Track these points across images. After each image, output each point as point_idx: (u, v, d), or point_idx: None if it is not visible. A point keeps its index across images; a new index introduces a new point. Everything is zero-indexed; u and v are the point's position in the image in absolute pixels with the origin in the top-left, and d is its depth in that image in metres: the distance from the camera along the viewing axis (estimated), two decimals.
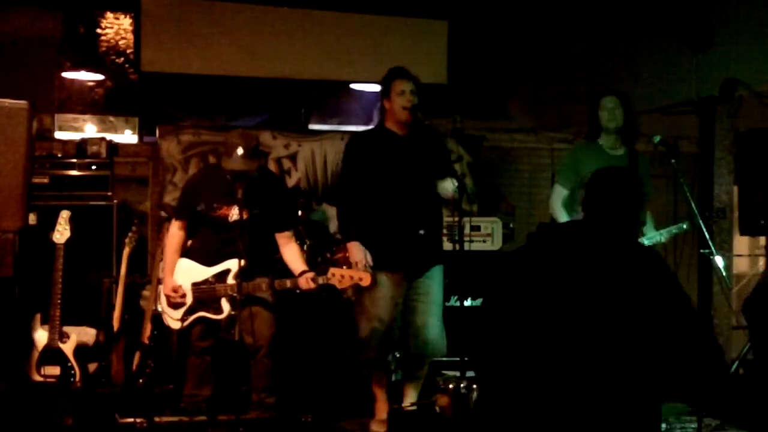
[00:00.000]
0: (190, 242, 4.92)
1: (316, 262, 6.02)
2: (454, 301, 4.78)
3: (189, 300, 4.74)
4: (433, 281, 4.65)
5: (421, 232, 4.57)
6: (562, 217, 5.05)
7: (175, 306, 4.76)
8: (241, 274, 4.54)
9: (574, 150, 5.46)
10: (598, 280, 2.74)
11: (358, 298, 4.68)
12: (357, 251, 4.53)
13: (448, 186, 4.51)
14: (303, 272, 4.68)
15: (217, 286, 4.69)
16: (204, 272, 4.74)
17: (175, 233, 4.86)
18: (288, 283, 4.67)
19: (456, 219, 4.53)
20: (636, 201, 2.94)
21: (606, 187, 2.95)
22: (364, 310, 4.60)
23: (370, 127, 7.77)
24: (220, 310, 4.69)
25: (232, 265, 4.64)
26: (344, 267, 4.66)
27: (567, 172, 5.14)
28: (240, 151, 4.60)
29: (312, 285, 4.63)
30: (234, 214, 4.70)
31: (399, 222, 4.58)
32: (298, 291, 4.73)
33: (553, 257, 2.86)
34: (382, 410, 4.62)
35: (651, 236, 5.08)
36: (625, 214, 2.90)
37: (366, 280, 4.51)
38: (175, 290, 4.73)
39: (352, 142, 4.83)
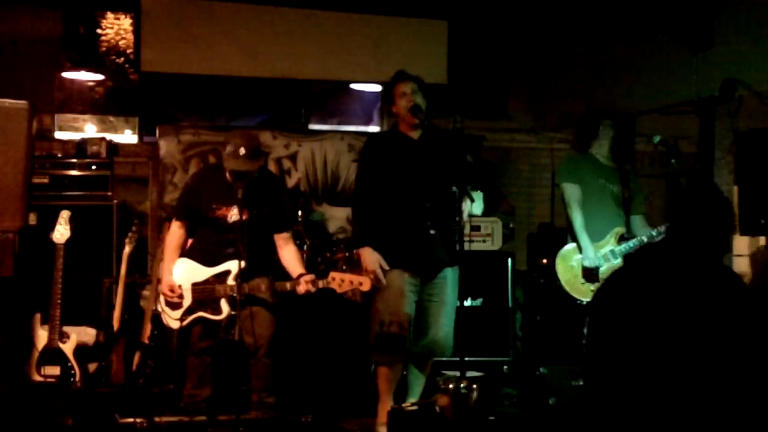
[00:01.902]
0: (190, 242, 4.92)
1: (316, 262, 6.02)
2: None
3: (188, 300, 4.74)
4: (446, 282, 4.65)
5: (432, 232, 4.57)
6: (578, 214, 5.14)
7: (173, 306, 4.76)
8: (240, 275, 4.53)
9: (571, 156, 5.54)
10: (683, 303, 2.70)
11: (373, 299, 4.67)
12: (369, 256, 4.54)
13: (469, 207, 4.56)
14: (300, 275, 4.67)
15: (217, 287, 4.68)
16: (204, 272, 4.74)
17: (174, 233, 4.86)
18: (288, 285, 4.66)
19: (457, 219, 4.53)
20: (725, 220, 2.86)
21: (695, 205, 2.87)
22: (379, 309, 4.59)
23: (374, 128, 7.88)
24: (219, 311, 4.69)
25: (233, 266, 4.64)
26: (344, 268, 4.64)
27: (571, 172, 5.27)
28: (242, 151, 4.60)
29: (311, 288, 4.62)
30: (233, 214, 4.70)
31: (411, 223, 4.58)
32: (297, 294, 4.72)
33: (643, 279, 2.81)
34: (385, 418, 4.60)
35: (647, 234, 5.10)
36: (712, 234, 2.82)
37: (366, 285, 4.50)
38: (172, 289, 4.72)
39: (367, 144, 4.90)
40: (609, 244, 5.16)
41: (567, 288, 5.16)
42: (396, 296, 4.55)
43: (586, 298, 5.08)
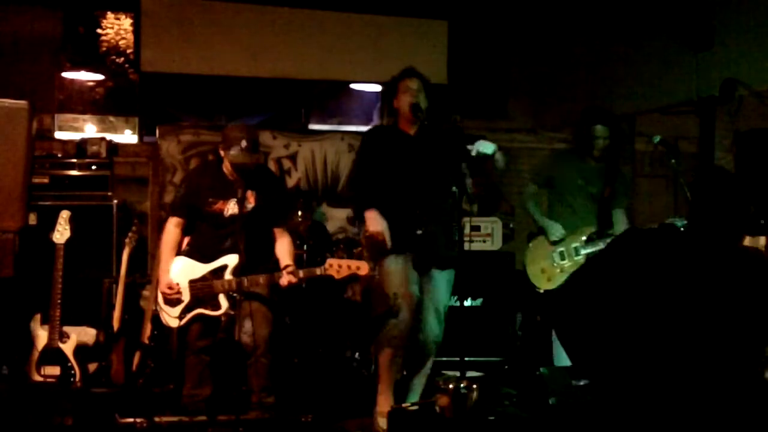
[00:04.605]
0: (187, 240, 4.92)
1: (316, 262, 6.01)
2: (453, 301, 4.78)
3: (186, 297, 4.74)
4: (440, 281, 4.65)
5: (419, 232, 4.55)
6: (534, 209, 5.54)
7: (171, 303, 4.76)
8: (239, 270, 4.53)
9: (554, 157, 5.91)
10: (700, 283, 2.72)
11: (376, 282, 4.66)
12: (375, 220, 4.50)
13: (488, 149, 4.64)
14: (287, 266, 4.69)
15: (214, 282, 4.68)
16: (201, 269, 4.74)
17: (170, 231, 4.86)
18: (276, 277, 4.67)
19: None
20: (742, 205, 2.88)
21: (713, 190, 2.90)
22: (383, 291, 4.57)
23: (375, 123, 7.87)
24: (218, 306, 4.68)
25: (230, 260, 4.64)
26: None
27: (543, 174, 5.62)
28: (244, 143, 4.61)
29: (293, 279, 4.61)
30: (230, 208, 4.71)
31: (404, 220, 4.58)
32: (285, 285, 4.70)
33: (657, 259, 2.84)
34: (385, 407, 4.59)
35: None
36: (730, 218, 2.85)
37: (363, 269, 4.51)
38: (170, 287, 4.72)
39: (367, 136, 4.94)
40: (576, 241, 5.34)
41: (529, 274, 5.46)
42: (400, 275, 4.54)
43: (543, 287, 5.37)
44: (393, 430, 4.22)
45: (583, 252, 5.31)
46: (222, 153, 4.73)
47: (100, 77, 7.24)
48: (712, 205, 2.89)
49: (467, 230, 4.93)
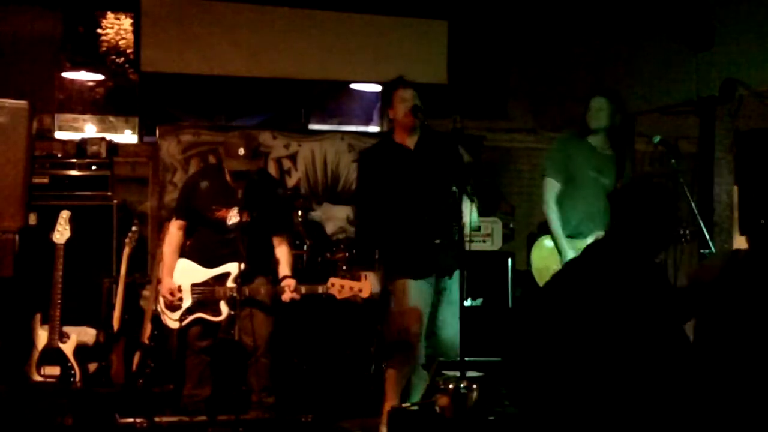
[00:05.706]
0: (189, 242, 4.92)
1: (316, 262, 6.01)
2: None
3: (188, 300, 4.74)
4: (452, 283, 4.65)
5: (437, 241, 4.57)
6: (554, 213, 4.98)
7: (172, 307, 4.76)
8: (241, 278, 4.53)
9: (562, 142, 5.29)
10: (605, 300, 2.70)
11: (388, 307, 4.67)
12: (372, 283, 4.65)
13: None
14: (284, 277, 4.72)
15: (217, 289, 4.68)
16: (204, 273, 4.74)
17: (173, 233, 4.86)
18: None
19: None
20: (666, 219, 2.84)
21: (636, 201, 2.85)
22: (394, 318, 4.59)
23: (374, 128, 7.87)
24: (218, 312, 4.69)
25: (232, 268, 4.64)
26: (344, 269, 4.63)
27: (557, 165, 5.07)
28: (241, 151, 4.61)
29: (296, 296, 4.66)
30: (232, 216, 4.71)
31: (416, 234, 4.57)
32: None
33: (575, 276, 2.82)
34: None
35: None
36: (652, 232, 2.81)
37: (366, 291, 4.55)
38: (172, 292, 4.72)
39: (363, 162, 4.85)
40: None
41: (536, 275, 5.07)
42: (408, 304, 4.54)
43: None
44: (393, 430, 4.21)
45: None
46: (222, 160, 4.76)
47: (100, 77, 7.24)
48: (630, 219, 2.83)
49: (467, 230, 4.91)
